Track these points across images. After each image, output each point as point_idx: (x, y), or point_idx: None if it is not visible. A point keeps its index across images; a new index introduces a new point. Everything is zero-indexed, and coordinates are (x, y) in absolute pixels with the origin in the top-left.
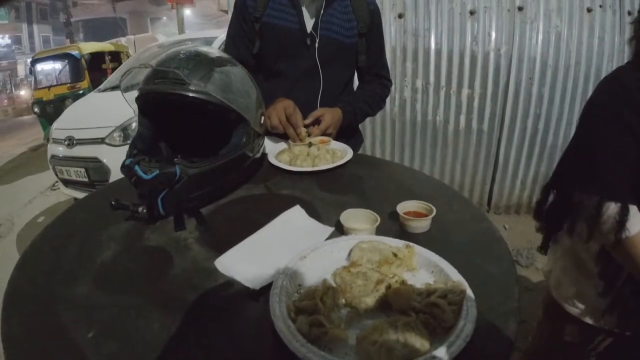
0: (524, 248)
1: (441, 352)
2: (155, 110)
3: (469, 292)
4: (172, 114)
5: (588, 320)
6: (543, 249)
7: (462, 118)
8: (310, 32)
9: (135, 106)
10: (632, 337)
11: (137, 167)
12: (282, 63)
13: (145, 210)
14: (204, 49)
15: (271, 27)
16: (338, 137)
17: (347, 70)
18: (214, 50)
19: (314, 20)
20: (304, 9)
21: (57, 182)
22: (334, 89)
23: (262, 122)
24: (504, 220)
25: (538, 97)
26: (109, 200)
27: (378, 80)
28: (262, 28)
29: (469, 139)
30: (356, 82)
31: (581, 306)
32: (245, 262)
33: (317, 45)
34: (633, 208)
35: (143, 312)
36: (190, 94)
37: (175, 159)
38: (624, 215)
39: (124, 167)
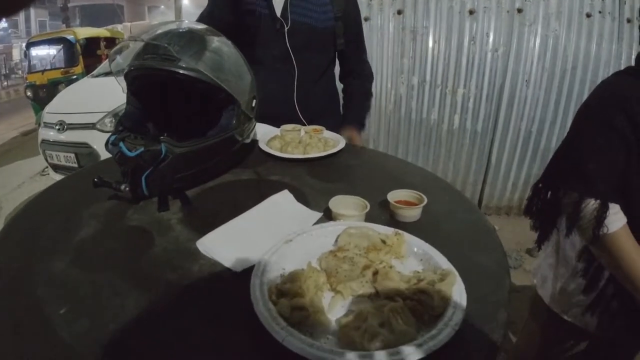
0: (512, 249)
1: (428, 339)
2: (144, 87)
3: (459, 280)
4: (162, 91)
5: (569, 319)
6: (538, 246)
7: (457, 118)
8: (279, 17)
9: (124, 83)
10: (609, 340)
11: (121, 144)
12: (253, 50)
13: (128, 189)
14: (198, 26)
15: (239, 13)
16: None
17: (324, 56)
18: (208, 28)
19: (283, 4)
20: None
21: (47, 167)
22: (310, 76)
23: (253, 105)
24: (493, 221)
25: (533, 99)
26: (93, 178)
27: (359, 78)
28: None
29: (462, 138)
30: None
31: (563, 304)
32: (228, 244)
33: (286, 30)
34: (615, 207)
35: (119, 291)
36: (180, 71)
37: (162, 137)
38: (602, 212)
39: (109, 144)
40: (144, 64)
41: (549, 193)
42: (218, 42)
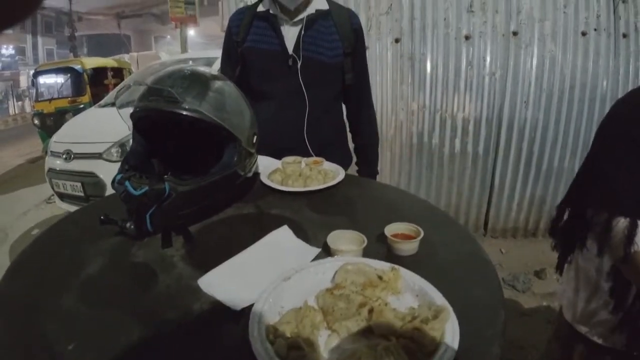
0: (520, 272)
1: None
2: (149, 127)
3: (453, 316)
4: (166, 131)
5: (598, 340)
6: (558, 269)
7: (457, 141)
8: (292, 53)
9: (130, 122)
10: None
11: (127, 183)
12: (266, 86)
13: (133, 226)
14: (200, 68)
15: (253, 50)
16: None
17: (333, 90)
18: (209, 70)
19: (295, 41)
20: (284, 31)
21: (52, 195)
22: (321, 109)
23: (254, 141)
24: (500, 244)
25: (533, 120)
26: (100, 214)
27: (368, 125)
28: (244, 52)
29: (464, 162)
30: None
31: (592, 325)
32: (229, 282)
33: (299, 66)
34: None
35: (124, 327)
36: (183, 112)
37: (165, 176)
38: (632, 229)
39: (115, 183)
40: (148, 105)
41: (573, 212)
42: (219, 83)
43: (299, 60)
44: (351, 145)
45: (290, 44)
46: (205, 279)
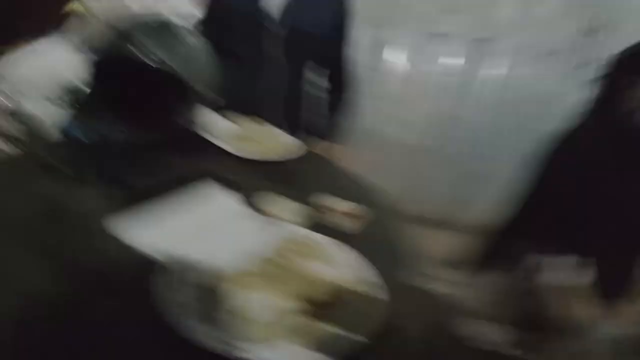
0: None
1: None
2: (106, 74)
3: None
4: (123, 80)
5: None
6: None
7: None
8: (275, 18)
9: (84, 66)
10: None
11: (73, 128)
12: (242, 50)
13: (73, 172)
14: (164, 16)
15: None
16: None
17: (318, 59)
18: (177, 20)
19: (280, 5)
20: None
21: None
22: (302, 79)
23: (213, 99)
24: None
25: None
26: (40, 158)
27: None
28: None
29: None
30: None
31: None
32: (148, 229)
33: (283, 31)
34: None
35: (37, 268)
36: (142, 58)
37: (114, 124)
38: None
39: (61, 128)
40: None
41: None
42: (183, 32)
43: (283, 26)
44: None
45: (274, 9)
46: (122, 223)
